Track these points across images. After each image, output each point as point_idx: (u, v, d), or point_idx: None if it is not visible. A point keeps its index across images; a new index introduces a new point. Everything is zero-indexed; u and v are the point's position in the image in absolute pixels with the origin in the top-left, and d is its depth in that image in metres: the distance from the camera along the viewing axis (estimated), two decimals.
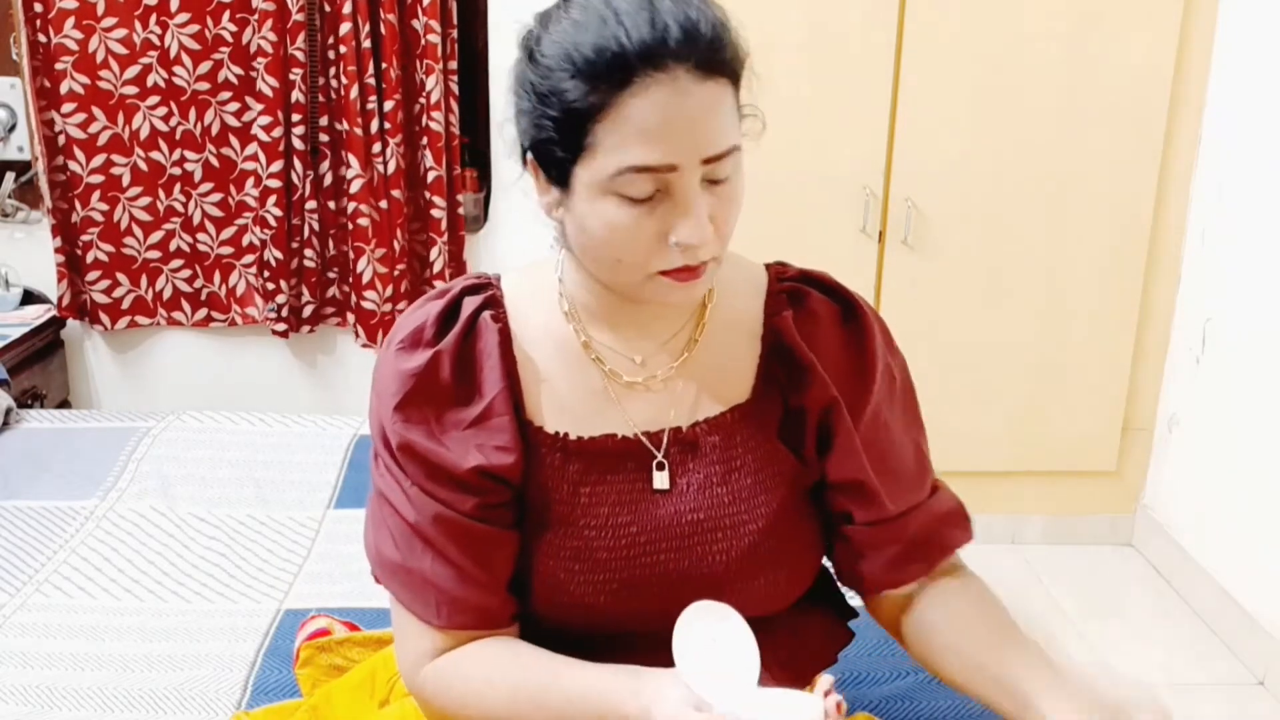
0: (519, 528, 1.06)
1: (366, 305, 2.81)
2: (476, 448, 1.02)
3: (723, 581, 1.05)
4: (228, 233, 2.85)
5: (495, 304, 1.07)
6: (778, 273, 1.12)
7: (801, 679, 1.18)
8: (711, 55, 0.92)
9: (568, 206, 0.98)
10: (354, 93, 2.66)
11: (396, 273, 2.82)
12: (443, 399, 1.04)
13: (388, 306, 2.83)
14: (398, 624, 1.07)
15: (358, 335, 2.86)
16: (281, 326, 2.84)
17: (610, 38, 0.90)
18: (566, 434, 1.05)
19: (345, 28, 2.62)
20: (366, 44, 2.64)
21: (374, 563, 1.09)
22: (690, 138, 0.91)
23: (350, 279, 2.83)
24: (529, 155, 1.00)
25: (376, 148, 2.72)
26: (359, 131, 2.69)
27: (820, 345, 1.08)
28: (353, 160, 2.71)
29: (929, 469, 1.14)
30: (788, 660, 1.13)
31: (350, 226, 2.77)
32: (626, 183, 0.92)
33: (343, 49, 2.64)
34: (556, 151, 0.95)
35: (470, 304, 1.07)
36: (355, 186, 2.73)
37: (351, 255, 2.79)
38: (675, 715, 0.90)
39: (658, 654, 1.08)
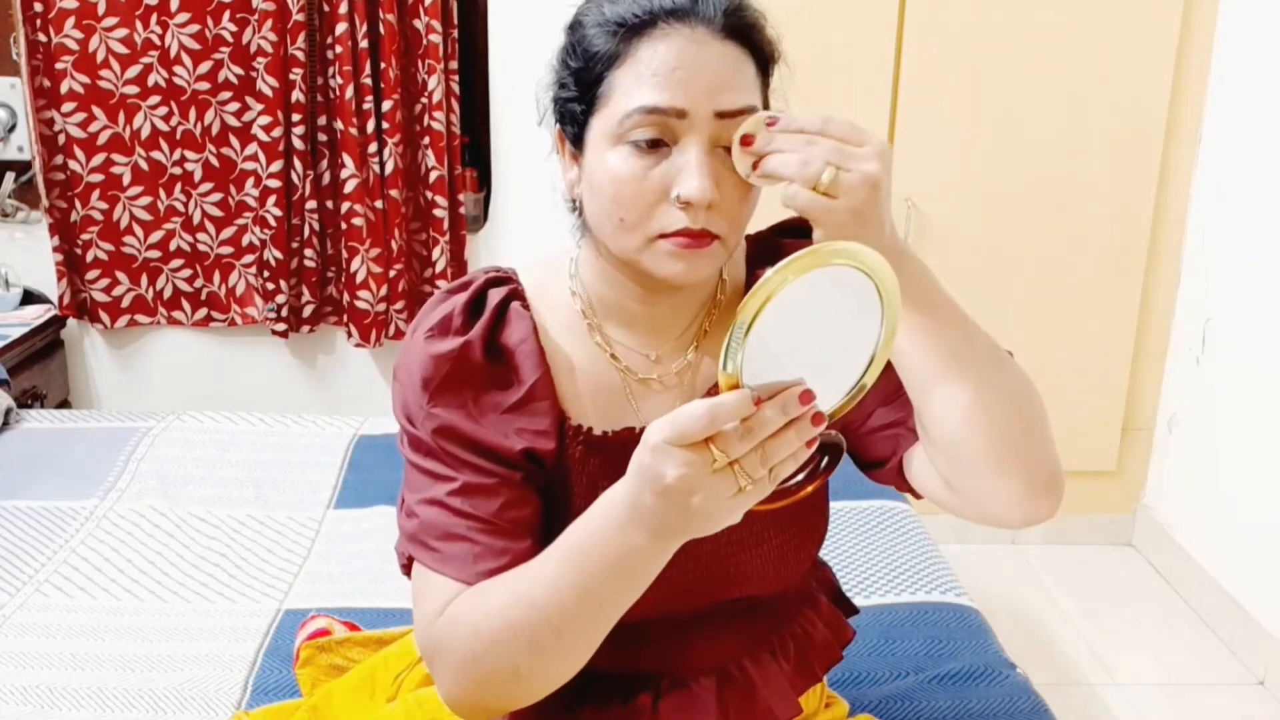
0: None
1: (360, 305, 2.81)
2: (517, 432, 1.02)
3: (734, 555, 1.06)
4: (227, 232, 2.85)
5: (520, 296, 1.08)
6: (754, 238, 1.13)
7: (809, 675, 1.18)
8: (736, 21, 0.95)
9: (583, 170, 0.99)
10: (349, 93, 2.66)
11: (394, 273, 2.82)
12: (479, 381, 1.03)
13: (381, 306, 2.83)
14: (420, 593, 1.01)
15: (350, 335, 2.86)
16: (281, 326, 2.84)
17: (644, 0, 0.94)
18: (590, 428, 1.05)
19: (341, 27, 2.62)
20: (364, 44, 2.64)
21: (408, 534, 1.03)
22: (703, 86, 0.92)
23: (344, 278, 2.83)
24: (555, 127, 1.02)
25: (373, 148, 2.71)
26: (354, 131, 2.69)
27: None
28: (347, 160, 2.72)
29: None
30: (795, 657, 1.15)
31: (344, 226, 2.77)
32: (635, 125, 0.93)
33: (339, 49, 2.64)
34: (576, 108, 0.97)
35: (496, 295, 1.07)
36: (350, 186, 2.73)
37: (345, 255, 2.80)
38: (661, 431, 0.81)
39: (670, 640, 1.09)
